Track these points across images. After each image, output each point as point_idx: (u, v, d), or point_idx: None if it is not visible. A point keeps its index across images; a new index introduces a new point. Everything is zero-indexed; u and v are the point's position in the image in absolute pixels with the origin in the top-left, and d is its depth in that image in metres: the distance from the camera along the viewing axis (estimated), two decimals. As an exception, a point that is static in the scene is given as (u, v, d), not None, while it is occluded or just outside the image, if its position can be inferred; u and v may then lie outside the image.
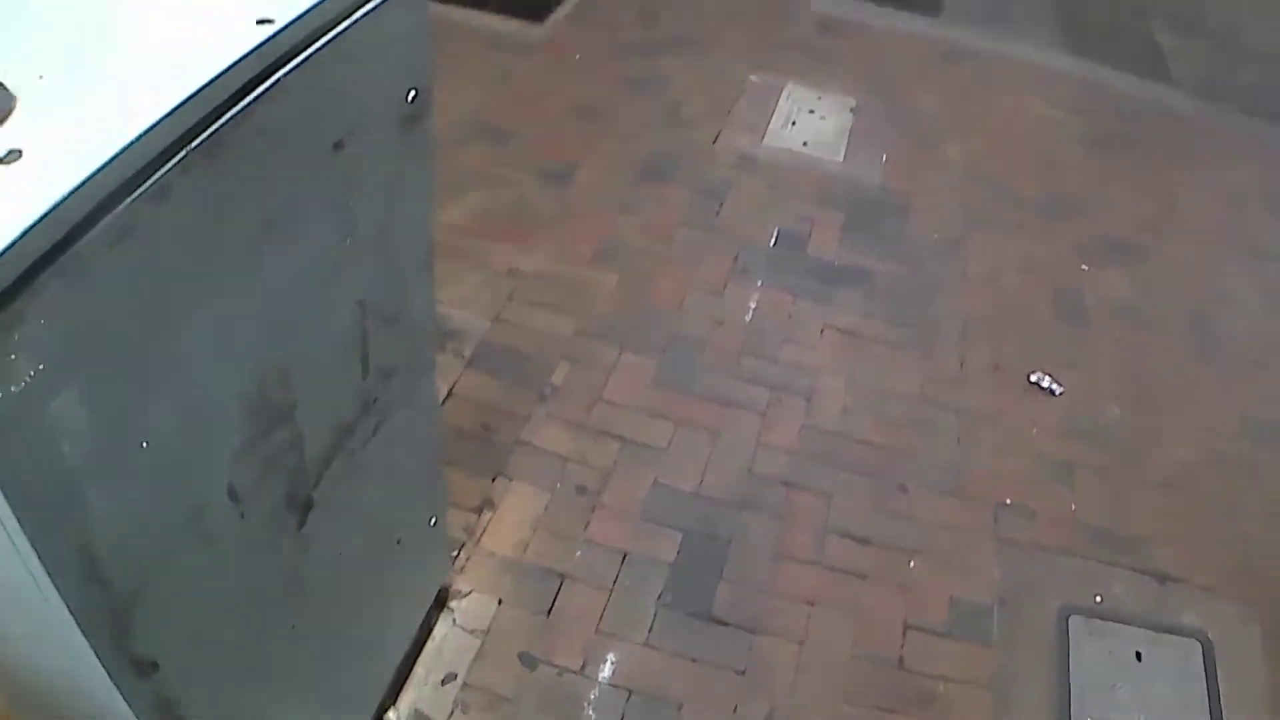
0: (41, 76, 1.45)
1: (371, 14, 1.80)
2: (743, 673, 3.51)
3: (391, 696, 3.24)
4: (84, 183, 1.29)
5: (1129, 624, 3.93)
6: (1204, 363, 5.29)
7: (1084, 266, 5.74)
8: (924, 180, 6.20)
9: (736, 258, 5.26)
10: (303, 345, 1.95)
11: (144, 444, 1.55)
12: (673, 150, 5.96)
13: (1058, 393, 4.85)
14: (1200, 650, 3.88)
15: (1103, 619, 3.92)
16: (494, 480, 3.93)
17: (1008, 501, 4.29)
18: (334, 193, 1.90)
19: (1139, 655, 3.81)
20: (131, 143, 1.34)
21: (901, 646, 3.69)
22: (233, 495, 1.84)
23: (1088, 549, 4.18)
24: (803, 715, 3.44)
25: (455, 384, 4.26)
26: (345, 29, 1.73)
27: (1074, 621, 3.88)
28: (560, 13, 7.23)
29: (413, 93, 2.07)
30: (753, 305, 5.00)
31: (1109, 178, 6.71)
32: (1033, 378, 4.89)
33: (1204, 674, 3.80)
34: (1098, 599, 3.99)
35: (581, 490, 3.98)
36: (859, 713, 3.47)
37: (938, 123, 6.85)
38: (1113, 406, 4.87)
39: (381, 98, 2.00)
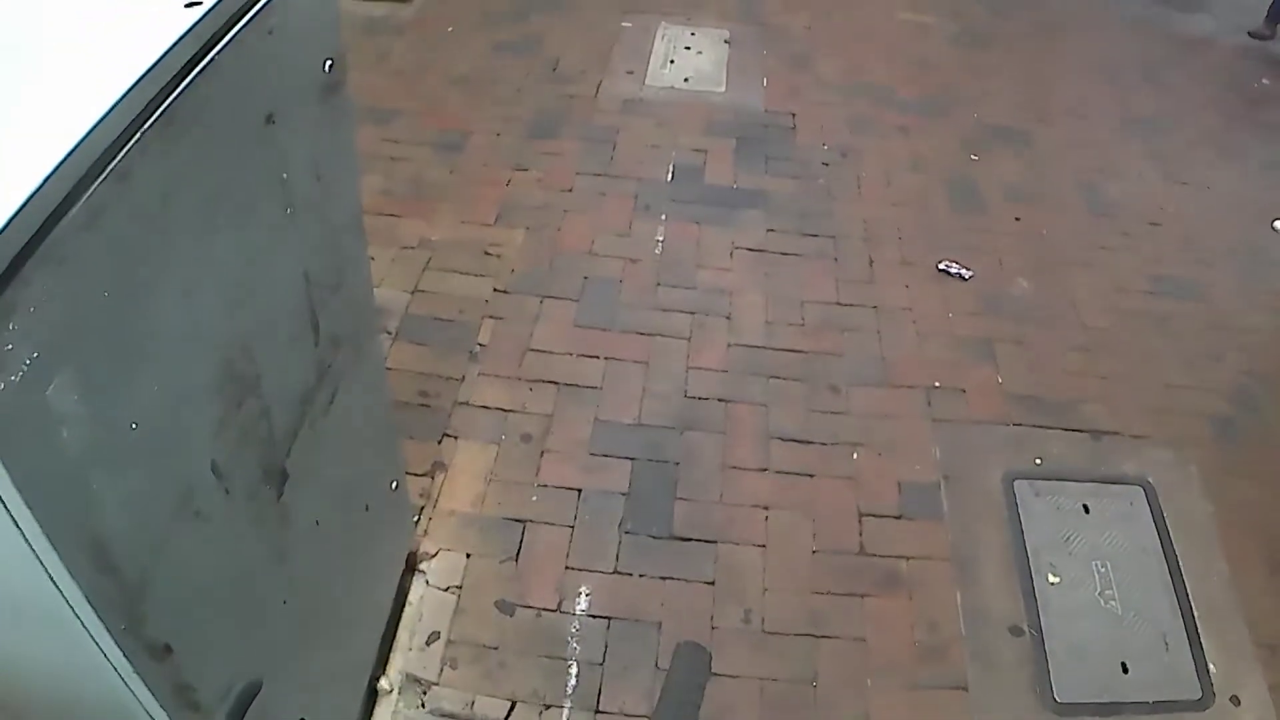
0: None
1: (288, -14, 1.87)
2: (712, 583, 3.64)
3: (380, 665, 3.30)
4: (55, 170, 1.34)
5: (1071, 480, 4.13)
6: (1102, 229, 5.54)
7: (973, 157, 5.94)
8: (805, 98, 6.34)
9: (637, 197, 5.36)
10: (260, 317, 2.01)
11: (133, 425, 1.60)
12: (558, 105, 6.04)
13: (967, 277, 5.03)
14: (1144, 494, 4.10)
15: (1046, 479, 4.12)
16: (440, 443, 4.00)
17: (936, 384, 4.46)
18: (271, 165, 1.97)
19: (1086, 508, 4.01)
20: (93, 127, 1.39)
21: (859, 534, 3.85)
22: (216, 471, 1.89)
23: (1020, 416, 4.37)
24: (777, 612, 3.57)
25: (387, 358, 4.32)
26: (264, 5, 1.80)
27: (1019, 485, 4.07)
28: (425, -11, 7.26)
29: (329, 62, 2.14)
30: (660, 238, 5.11)
31: (985, 70, 6.92)
32: (941, 266, 5.07)
33: (1150, 515, 4.02)
34: (1038, 461, 4.18)
35: (526, 438, 4.07)
36: (830, 601, 3.62)
37: (811, 41, 7.01)
38: (1021, 281, 5.08)
39: (302, 69, 2.06)
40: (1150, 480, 4.16)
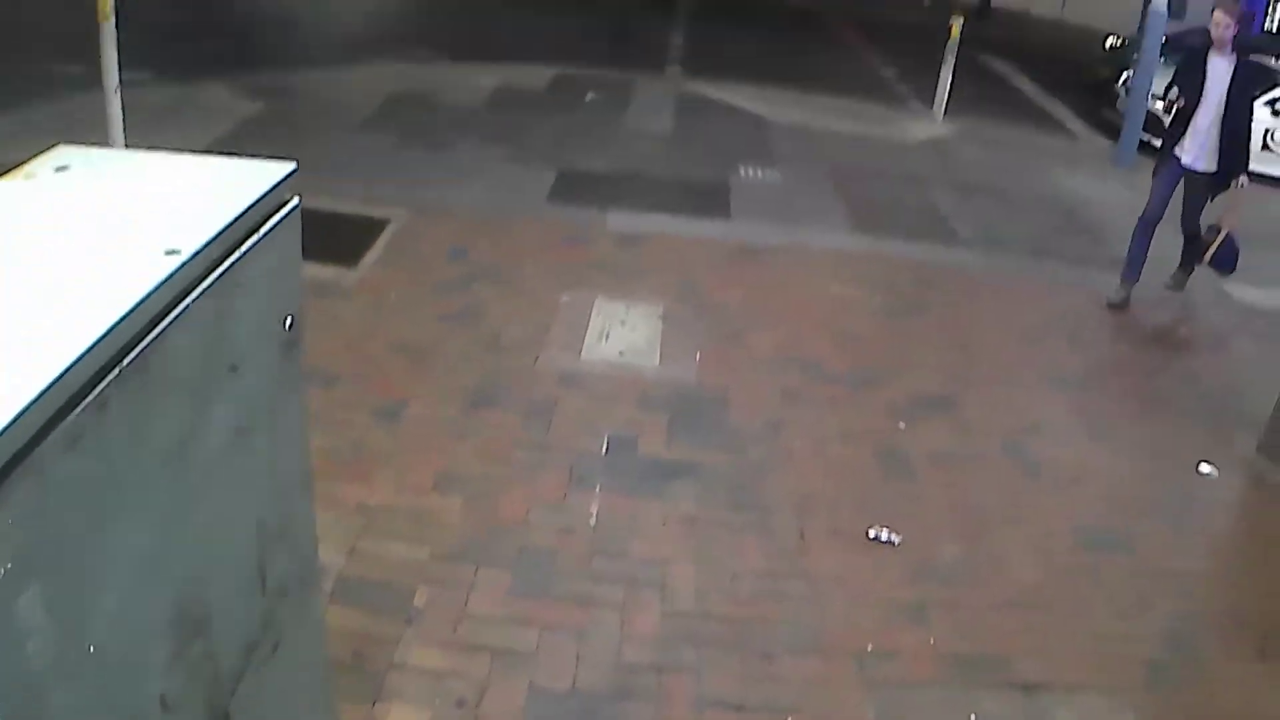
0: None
1: (258, 245, 2.01)
2: None
3: None
4: (41, 395, 1.43)
5: None
6: (1028, 487, 5.76)
7: (901, 425, 6.14)
8: (738, 372, 6.57)
9: (572, 469, 5.45)
10: (214, 558, 2.07)
11: (91, 648, 1.64)
12: (497, 376, 6.19)
13: (897, 543, 5.14)
14: None
15: (981, 738, 4.12)
16: (374, 705, 3.94)
17: (869, 649, 4.49)
18: (233, 412, 2.06)
19: (1022, 766, 4.02)
20: (77, 359, 1.50)
21: (794, 802, 3.81)
22: (164, 705, 1.91)
23: (953, 676, 4.41)
24: None
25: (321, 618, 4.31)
26: (238, 259, 1.93)
27: (954, 747, 4.07)
28: (371, 257, 7.55)
29: (289, 319, 2.26)
30: (595, 510, 5.17)
31: (912, 340, 7.24)
32: (871, 534, 5.17)
33: None
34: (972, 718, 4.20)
35: (460, 703, 4.02)
36: None
37: (743, 317, 7.32)
38: (951, 545, 5.20)
39: (265, 323, 2.18)
40: None
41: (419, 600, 4.46)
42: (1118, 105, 16.23)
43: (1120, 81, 16.46)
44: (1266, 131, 14.76)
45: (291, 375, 2.37)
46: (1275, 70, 15.51)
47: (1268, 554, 5.57)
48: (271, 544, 2.36)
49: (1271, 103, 15.01)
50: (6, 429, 1.36)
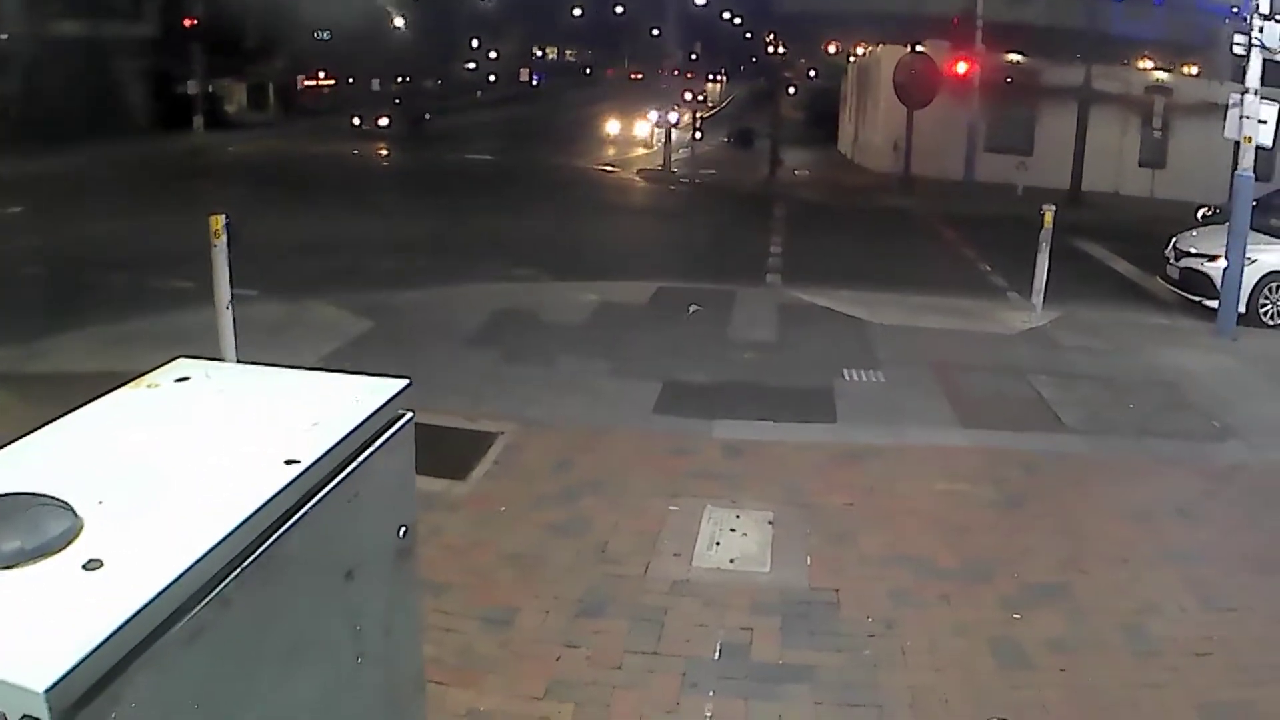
0: (101, 502, 1.73)
1: (374, 456, 2.11)
2: None
3: None
4: (167, 587, 1.53)
5: None
6: (1148, 668, 5.56)
7: (1015, 616, 6.02)
8: (848, 574, 6.51)
9: (685, 675, 5.40)
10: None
11: None
12: (606, 586, 6.19)
13: (1017, 733, 5.02)
14: None
15: None
16: None
17: None
18: (347, 617, 2.13)
19: None
20: (201, 557, 1.60)
21: None
22: None
23: None
24: None
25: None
26: (354, 469, 2.03)
27: None
28: (480, 470, 7.68)
29: (403, 528, 2.35)
30: (709, 714, 5.12)
31: (1021, 530, 7.16)
32: (989, 725, 5.06)
33: None
34: None
35: None
36: None
37: (851, 520, 7.28)
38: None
39: (380, 532, 2.27)
40: None
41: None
42: (1166, 271, 16.48)
43: (1169, 246, 16.59)
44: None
45: (407, 582, 2.44)
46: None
47: None
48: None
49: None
50: (130, 620, 1.45)
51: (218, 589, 1.63)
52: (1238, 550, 6.94)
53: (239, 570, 1.68)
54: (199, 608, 1.59)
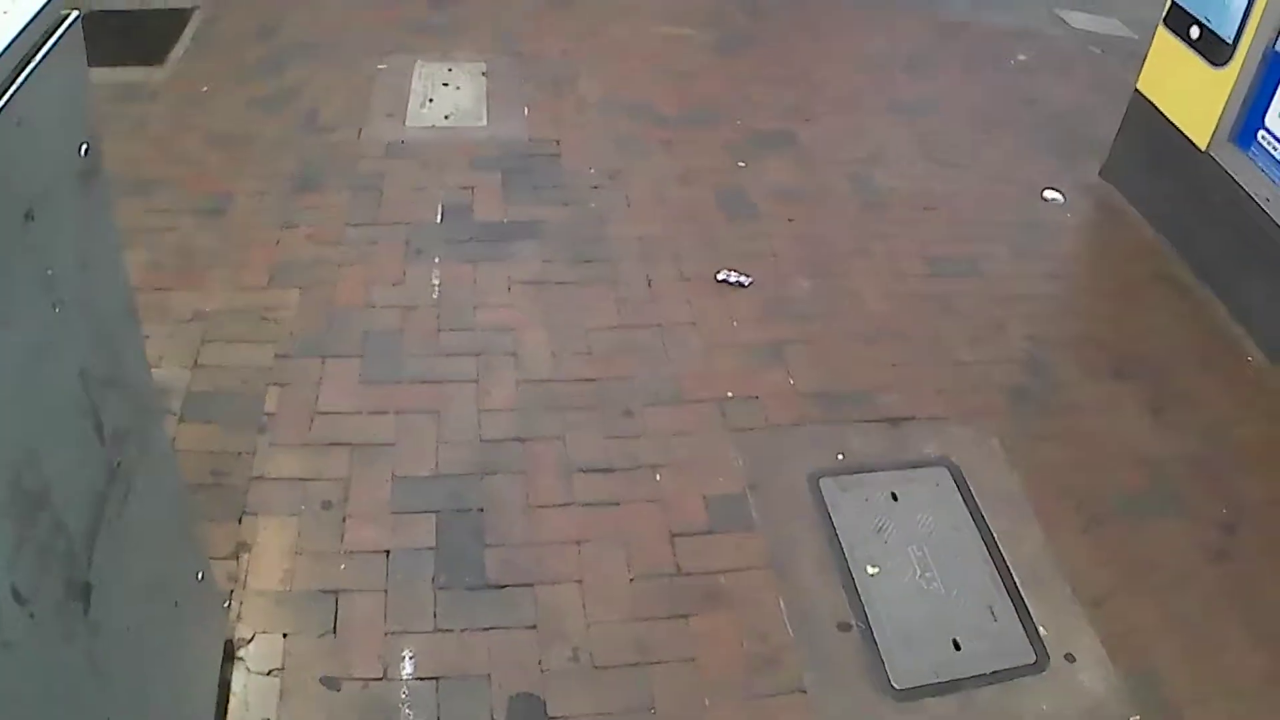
0: None
1: (35, 73, 1.77)
2: (534, 627, 3.59)
3: (210, 764, 3.16)
4: None
5: (876, 470, 4.25)
6: (875, 218, 5.79)
7: (740, 164, 6.05)
8: (568, 123, 6.40)
9: (408, 242, 5.29)
10: (41, 423, 1.90)
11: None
12: (320, 157, 5.92)
13: (747, 284, 5.12)
14: (949, 473, 4.27)
15: (850, 473, 4.23)
16: (241, 522, 3.84)
17: (729, 395, 4.53)
18: (35, 263, 1.86)
19: (894, 495, 4.14)
20: None
21: (674, 555, 3.86)
22: (18, 597, 1.77)
23: (817, 415, 4.48)
24: (604, 646, 3.55)
25: (174, 440, 4.11)
26: (14, 92, 1.71)
27: (825, 483, 4.16)
28: (178, 51, 7.03)
29: (84, 146, 2.04)
30: (436, 282, 5.04)
31: (746, 76, 7.12)
32: (720, 276, 5.15)
33: (959, 493, 4.18)
34: (840, 457, 4.29)
35: (327, 505, 3.94)
36: (655, 627, 3.62)
37: (569, 65, 7.09)
38: (802, 281, 5.23)
39: (58, 158, 1.96)
40: (953, 459, 4.33)
41: (270, 404, 4.33)
42: None
43: None
44: None
45: (97, 205, 2.15)
46: None
47: (1115, 277, 5.68)
48: (101, 391, 2.18)
49: None
50: None
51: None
52: (959, 107, 7.03)
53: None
54: None
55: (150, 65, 6.83)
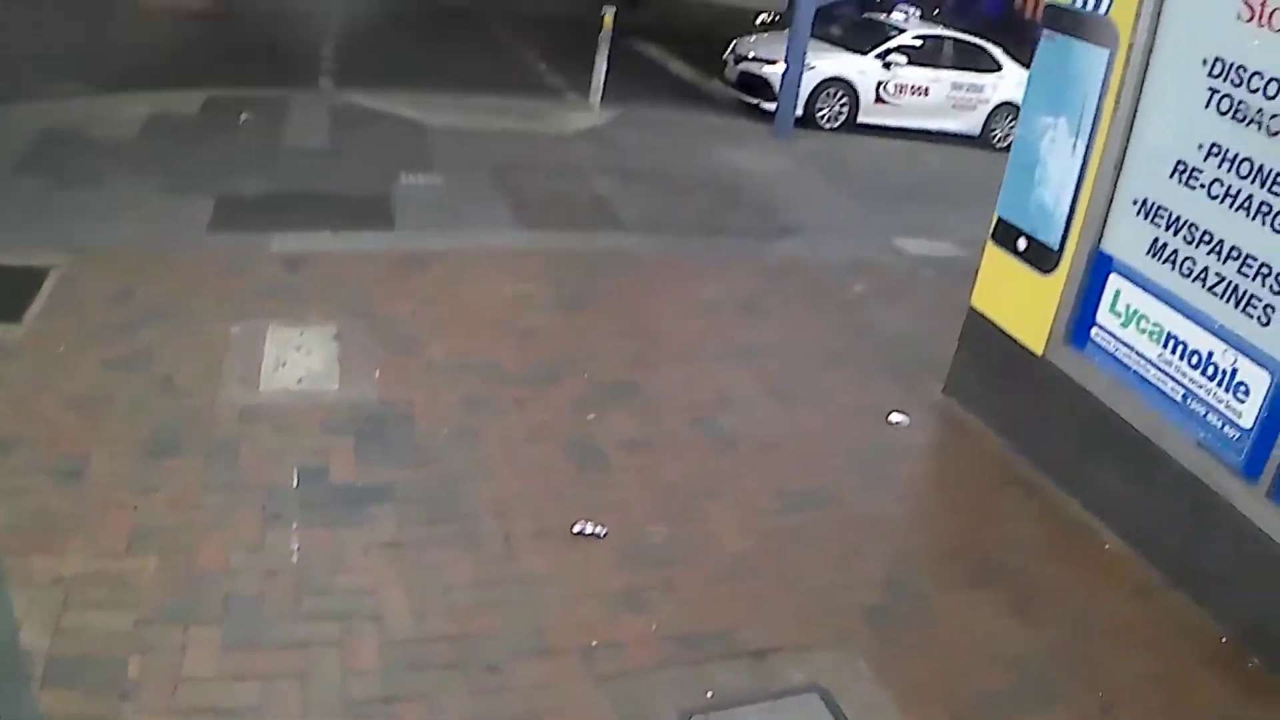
0: None
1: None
2: None
3: None
4: None
5: (746, 704, 4.39)
6: (724, 460, 6.12)
7: (589, 416, 6.30)
8: (418, 384, 6.65)
9: (265, 507, 5.36)
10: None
11: None
12: (176, 420, 5.99)
13: (602, 535, 5.33)
14: (819, 698, 4.42)
15: (721, 709, 4.35)
16: (103, 789, 3.80)
17: (594, 644, 4.67)
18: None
19: (768, 728, 4.23)
20: None
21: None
22: None
23: (683, 656, 4.64)
24: None
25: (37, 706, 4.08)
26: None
27: (697, 722, 4.24)
28: (35, 309, 7.11)
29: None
30: (295, 547, 5.11)
31: (588, 331, 7.53)
32: (576, 529, 5.36)
33: (831, 716, 4.34)
34: (709, 695, 4.43)
35: (191, 771, 3.92)
36: None
37: (417, 326, 7.41)
38: (657, 526, 5.48)
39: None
40: (823, 684, 4.50)
41: (133, 671, 4.29)
42: (725, 74, 17.56)
43: (729, 50, 17.65)
44: (879, 84, 16.05)
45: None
46: (884, 25, 16.92)
47: (966, 488, 6.02)
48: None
49: (882, 55, 16.26)
50: None
51: None
52: (799, 344, 7.43)
53: None
54: None
55: (7, 322, 6.91)
